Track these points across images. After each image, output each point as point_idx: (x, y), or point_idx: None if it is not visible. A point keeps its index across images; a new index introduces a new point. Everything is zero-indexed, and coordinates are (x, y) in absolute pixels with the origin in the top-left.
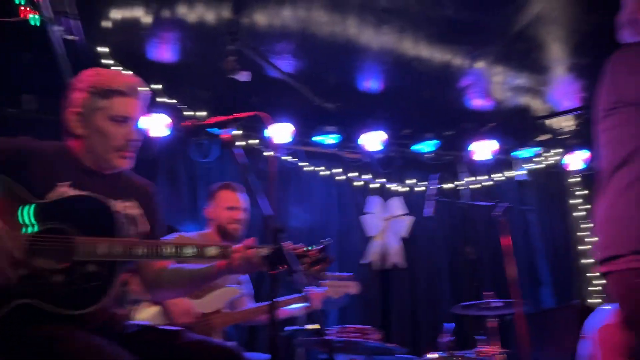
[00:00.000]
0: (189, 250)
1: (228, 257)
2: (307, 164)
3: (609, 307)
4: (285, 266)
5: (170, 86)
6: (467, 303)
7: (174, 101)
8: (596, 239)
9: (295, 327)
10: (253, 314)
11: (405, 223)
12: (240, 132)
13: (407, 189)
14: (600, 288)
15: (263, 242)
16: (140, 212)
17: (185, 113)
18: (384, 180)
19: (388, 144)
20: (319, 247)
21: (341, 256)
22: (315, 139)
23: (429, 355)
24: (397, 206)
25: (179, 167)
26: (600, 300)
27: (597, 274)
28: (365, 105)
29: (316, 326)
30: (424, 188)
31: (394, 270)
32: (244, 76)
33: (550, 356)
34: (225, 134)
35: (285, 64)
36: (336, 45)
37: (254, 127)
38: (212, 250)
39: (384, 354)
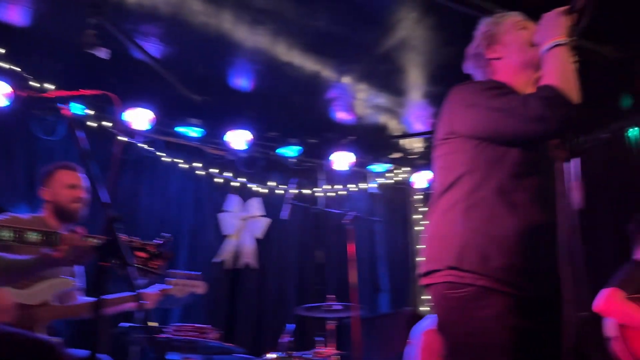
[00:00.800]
0: (5, 234)
1: (53, 244)
2: (165, 154)
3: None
4: (118, 259)
5: (17, 52)
6: (310, 305)
7: (19, 69)
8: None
9: (129, 324)
10: (83, 309)
11: (262, 224)
12: (92, 112)
13: (267, 190)
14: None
15: (99, 232)
16: None
17: (30, 84)
18: (245, 179)
19: (253, 144)
20: (158, 242)
21: (193, 253)
22: (177, 130)
23: (268, 356)
24: (255, 206)
25: (17, 143)
26: (429, 309)
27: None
28: (233, 103)
29: (152, 324)
30: (283, 191)
31: (245, 270)
32: (103, 53)
33: (381, 358)
34: (67, 110)
35: (151, 48)
36: (209, 37)
37: (110, 109)
38: (33, 236)
39: (221, 353)
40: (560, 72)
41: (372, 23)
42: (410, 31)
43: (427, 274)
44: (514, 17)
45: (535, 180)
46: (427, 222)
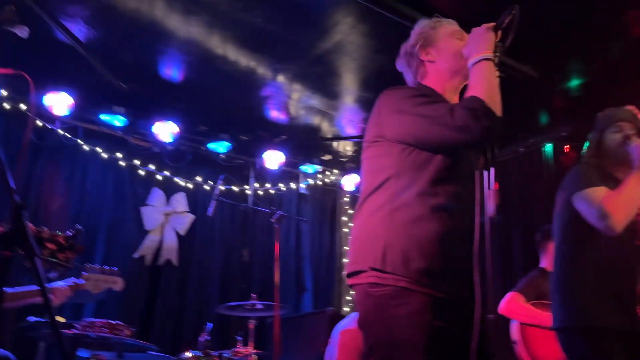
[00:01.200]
0: None
1: None
2: (84, 142)
3: (353, 314)
4: (24, 249)
5: None
6: (232, 304)
7: None
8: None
9: (36, 319)
10: None
11: (186, 220)
12: (6, 93)
13: (192, 185)
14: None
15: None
16: None
17: None
18: (169, 173)
19: (180, 137)
20: (69, 234)
21: (111, 247)
22: (100, 117)
23: (185, 354)
24: (180, 202)
25: None
26: (351, 309)
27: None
28: (161, 93)
29: (60, 319)
30: (211, 187)
31: (166, 266)
32: (22, 31)
33: (300, 358)
34: None
35: (76, 30)
36: (139, 23)
37: (27, 91)
38: None
39: (134, 351)
40: (486, 85)
41: (308, 24)
42: (345, 36)
43: (352, 274)
44: (451, 26)
45: (456, 186)
46: (354, 224)
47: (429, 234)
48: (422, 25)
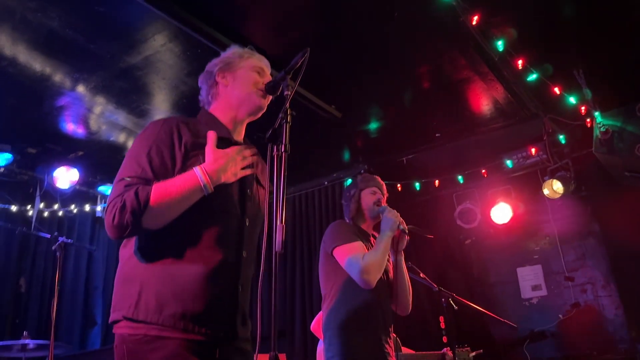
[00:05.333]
0: None
1: None
2: None
3: None
4: None
5: None
6: None
7: None
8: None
9: None
10: None
11: None
12: None
13: None
14: None
15: None
16: None
17: None
18: None
19: None
20: None
21: None
22: None
23: None
24: None
25: None
26: None
27: None
28: None
29: None
30: None
31: None
32: None
33: None
34: None
35: None
36: None
37: None
38: None
39: None
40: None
41: (114, 35)
42: (155, 53)
43: (112, 323)
44: (259, 62)
45: (219, 224)
46: (118, 268)
47: (189, 274)
48: (232, 50)
